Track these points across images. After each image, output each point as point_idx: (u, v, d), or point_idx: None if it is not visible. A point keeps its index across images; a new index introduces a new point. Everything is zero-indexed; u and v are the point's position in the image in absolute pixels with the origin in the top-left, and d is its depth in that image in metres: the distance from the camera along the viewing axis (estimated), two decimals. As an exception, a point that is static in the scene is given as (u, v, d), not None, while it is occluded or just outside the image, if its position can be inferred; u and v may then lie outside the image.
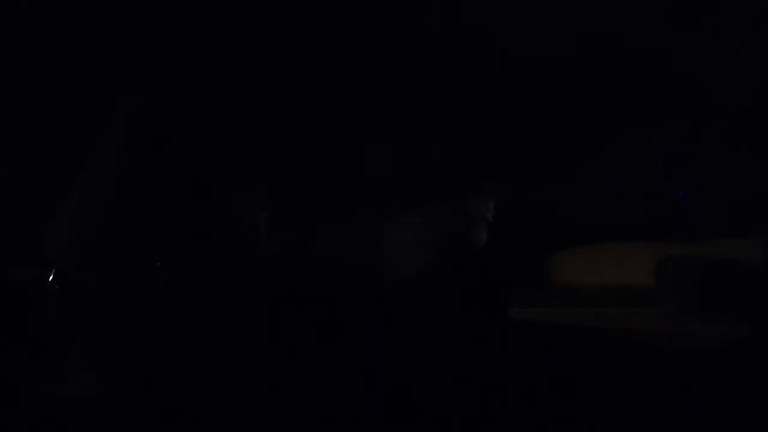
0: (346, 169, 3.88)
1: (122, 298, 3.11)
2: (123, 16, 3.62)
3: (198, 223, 3.44)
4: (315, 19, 3.75)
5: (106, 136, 3.22)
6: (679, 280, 3.67)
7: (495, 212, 3.29)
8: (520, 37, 3.84)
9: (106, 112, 3.39)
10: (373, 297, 3.43)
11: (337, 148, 3.86)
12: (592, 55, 3.92)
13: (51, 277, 2.93)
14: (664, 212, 4.08)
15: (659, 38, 3.90)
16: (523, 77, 3.84)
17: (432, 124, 3.87)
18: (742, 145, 3.95)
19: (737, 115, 3.96)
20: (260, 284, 3.37)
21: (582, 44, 3.90)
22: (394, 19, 3.78)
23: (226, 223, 3.53)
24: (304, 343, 3.29)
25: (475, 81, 3.83)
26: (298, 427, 2.96)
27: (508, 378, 3.10)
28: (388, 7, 3.76)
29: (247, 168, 3.70)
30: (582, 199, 4.03)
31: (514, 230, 3.50)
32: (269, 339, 3.25)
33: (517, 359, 3.16)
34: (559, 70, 3.88)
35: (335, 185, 3.85)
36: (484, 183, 3.34)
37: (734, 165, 3.96)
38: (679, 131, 4.00)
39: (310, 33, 3.78)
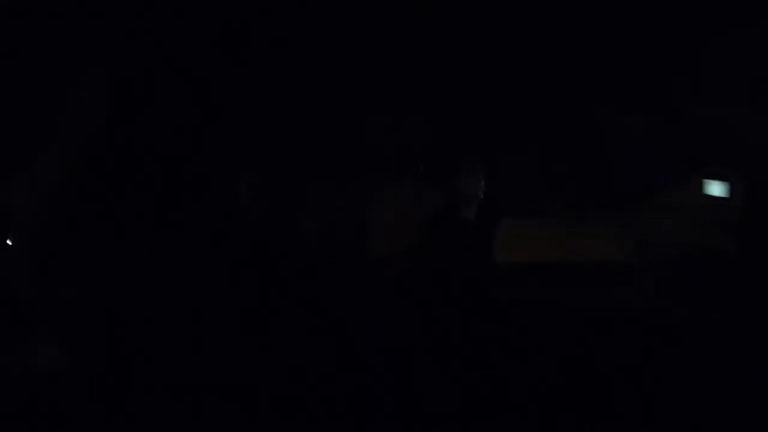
0: (334, 144, 3.84)
1: (87, 264, 3.02)
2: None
3: (176, 195, 3.37)
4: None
5: (77, 100, 3.12)
6: (656, 260, 3.83)
7: (483, 190, 3.29)
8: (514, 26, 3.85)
9: (76, 77, 3.28)
10: (359, 273, 3.43)
11: (323, 123, 3.80)
12: (578, 40, 3.97)
13: (10, 241, 2.85)
14: (640, 192, 4.21)
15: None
16: (512, 56, 3.86)
17: (423, 102, 3.85)
18: (713, 126, 4.07)
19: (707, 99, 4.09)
20: (240, 260, 3.32)
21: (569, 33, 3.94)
22: None
23: (204, 194, 3.46)
24: (288, 321, 3.24)
25: (465, 59, 3.83)
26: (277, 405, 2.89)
27: (487, 356, 3.11)
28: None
29: (229, 140, 3.63)
30: (563, 178, 4.12)
31: (498, 208, 3.53)
32: (248, 318, 3.20)
33: (497, 337, 3.19)
34: (544, 53, 3.93)
35: (322, 160, 3.81)
36: (474, 161, 3.32)
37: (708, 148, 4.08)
38: (655, 114, 4.11)
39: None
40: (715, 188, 4.04)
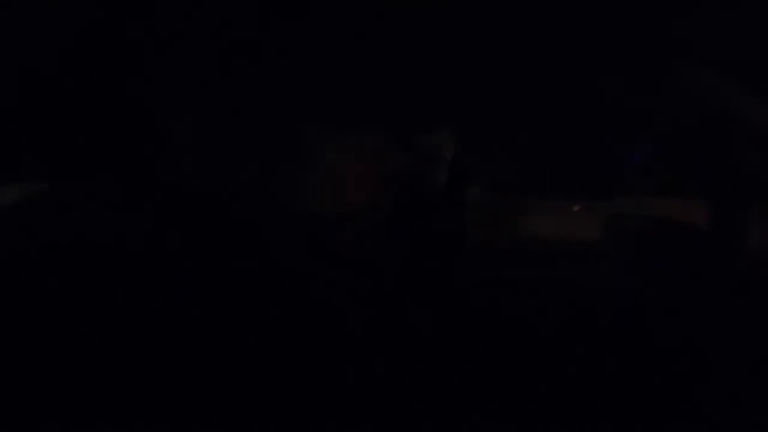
0: (284, 86, 3.62)
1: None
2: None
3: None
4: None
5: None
6: (624, 238, 3.98)
7: (454, 153, 3.14)
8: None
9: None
10: (305, 232, 3.30)
11: (278, 62, 3.57)
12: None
13: None
14: (610, 170, 4.35)
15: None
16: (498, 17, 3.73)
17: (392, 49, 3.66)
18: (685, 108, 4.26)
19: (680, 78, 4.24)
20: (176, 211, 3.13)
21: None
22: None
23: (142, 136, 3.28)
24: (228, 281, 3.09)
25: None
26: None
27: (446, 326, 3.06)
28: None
29: (170, 79, 3.40)
30: (530, 154, 4.19)
31: (469, 175, 3.43)
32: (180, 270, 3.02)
33: (458, 308, 3.16)
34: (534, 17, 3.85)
35: (269, 103, 3.60)
36: (446, 120, 3.16)
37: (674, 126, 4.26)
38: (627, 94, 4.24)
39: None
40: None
